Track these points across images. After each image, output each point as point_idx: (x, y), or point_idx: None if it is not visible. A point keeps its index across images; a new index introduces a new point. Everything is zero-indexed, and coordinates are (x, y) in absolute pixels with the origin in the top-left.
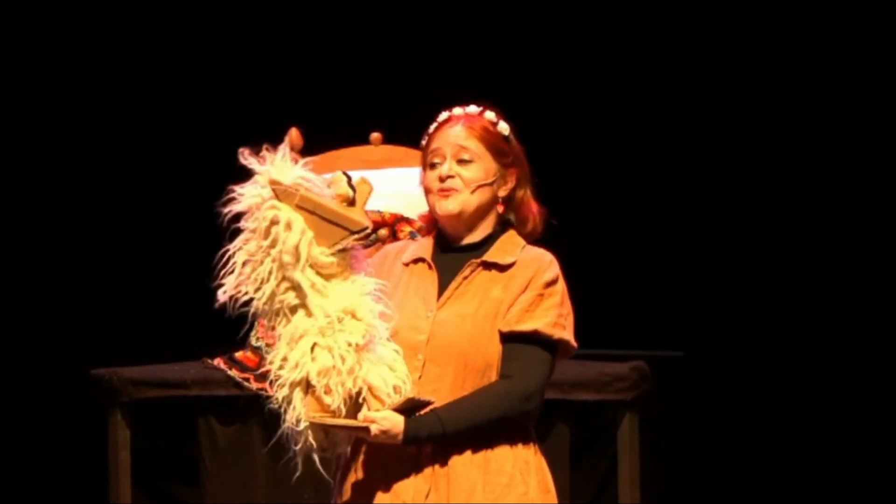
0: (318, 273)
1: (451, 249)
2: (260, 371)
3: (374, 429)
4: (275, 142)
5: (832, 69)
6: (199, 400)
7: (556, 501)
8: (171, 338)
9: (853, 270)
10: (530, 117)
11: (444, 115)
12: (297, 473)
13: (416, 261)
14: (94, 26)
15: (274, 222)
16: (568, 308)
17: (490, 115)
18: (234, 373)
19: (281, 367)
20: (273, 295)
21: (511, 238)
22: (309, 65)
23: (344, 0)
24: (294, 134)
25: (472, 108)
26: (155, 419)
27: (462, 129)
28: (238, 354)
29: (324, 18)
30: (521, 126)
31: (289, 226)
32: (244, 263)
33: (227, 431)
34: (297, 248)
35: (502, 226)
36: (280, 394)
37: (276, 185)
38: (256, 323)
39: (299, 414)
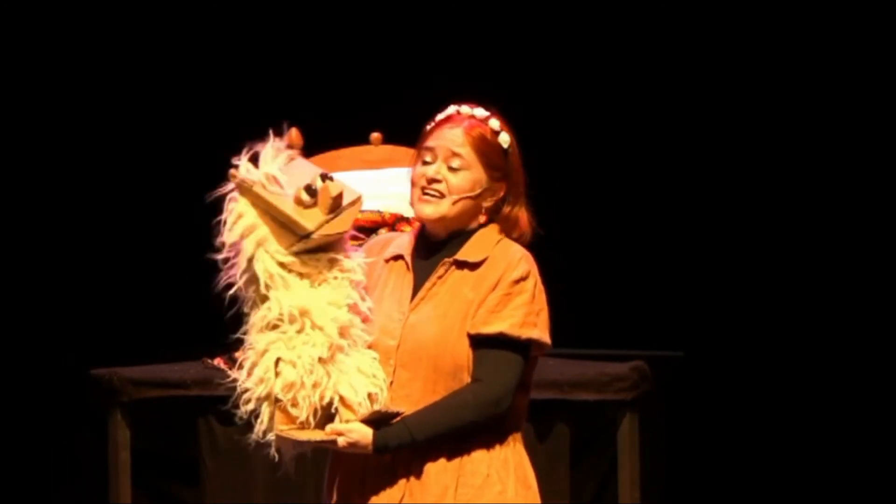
0: (289, 269)
1: (429, 248)
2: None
3: (341, 441)
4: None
5: (831, 69)
6: (199, 400)
7: (537, 497)
8: (171, 338)
9: (853, 270)
10: (531, 117)
11: (450, 110)
12: (279, 472)
13: (396, 258)
14: (92, 27)
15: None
16: (540, 305)
17: (494, 123)
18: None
19: (247, 381)
20: (246, 282)
21: (487, 233)
22: (309, 64)
23: (344, 0)
24: (294, 134)
25: (480, 112)
26: (155, 419)
27: (460, 134)
28: (238, 354)
29: (324, 18)
30: (521, 125)
31: (239, 217)
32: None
33: (227, 431)
34: (243, 239)
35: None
36: (247, 408)
37: (235, 179)
38: None
39: (267, 427)
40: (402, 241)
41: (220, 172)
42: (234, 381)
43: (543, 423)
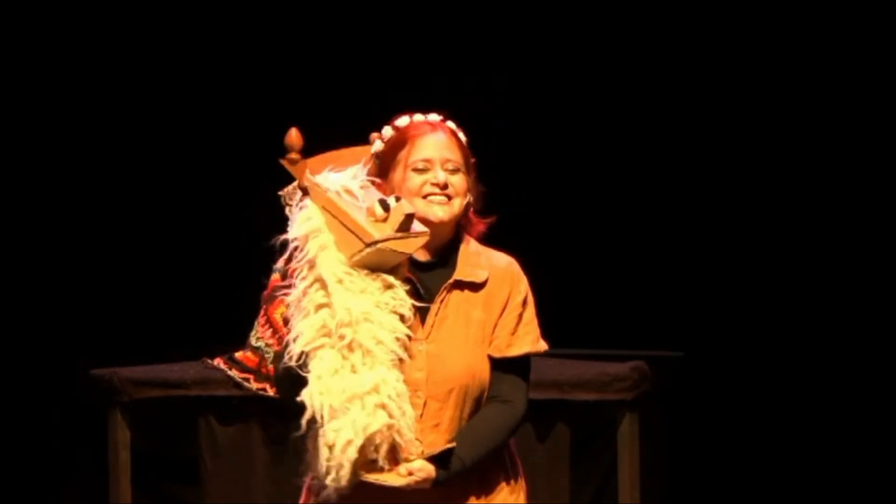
0: (346, 282)
1: (420, 268)
2: (262, 371)
3: (412, 480)
4: (276, 141)
5: (830, 69)
6: (199, 400)
7: None
8: (171, 338)
9: (852, 270)
10: (531, 116)
11: (405, 120)
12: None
13: None
14: (90, 27)
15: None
16: (534, 312)
17: (452, 124)
18: (234, 373)
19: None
20: (304, 291)
21: (470, 248)
22: (309, 64)
23: (345, 0)
24: (293, 134)
25: (434, 117)
26: (155, 419)
27: (446, 139)
28: (238, 354)
29: (325, 18)
30: (520, 124)
31: (308, 219)
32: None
33: (227, 431)
34: (308, 240)
35: (455, 233)
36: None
37: (309, 182)
38: (256, 323)
39: (348, 475)
40: None
41: (221, 173)
42: (233, 379)
43: (543, 423)
